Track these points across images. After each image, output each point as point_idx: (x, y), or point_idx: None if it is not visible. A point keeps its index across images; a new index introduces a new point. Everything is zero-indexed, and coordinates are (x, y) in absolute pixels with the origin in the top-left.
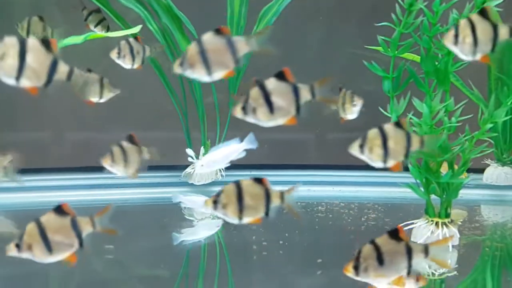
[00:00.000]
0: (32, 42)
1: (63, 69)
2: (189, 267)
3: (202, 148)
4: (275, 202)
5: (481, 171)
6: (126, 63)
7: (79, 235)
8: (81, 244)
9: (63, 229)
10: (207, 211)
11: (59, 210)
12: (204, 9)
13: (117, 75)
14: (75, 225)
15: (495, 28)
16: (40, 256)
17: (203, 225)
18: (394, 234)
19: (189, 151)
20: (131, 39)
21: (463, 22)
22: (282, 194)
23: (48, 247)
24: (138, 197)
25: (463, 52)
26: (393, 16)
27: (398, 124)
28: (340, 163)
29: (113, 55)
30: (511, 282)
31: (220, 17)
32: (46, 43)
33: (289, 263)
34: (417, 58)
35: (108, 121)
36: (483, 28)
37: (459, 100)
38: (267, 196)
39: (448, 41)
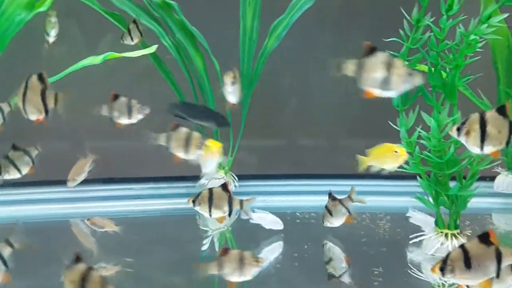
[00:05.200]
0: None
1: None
2: None
3: None
4: (236, 206)
5: (492, 179)
6: None
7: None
8: (5, 265)
9: None
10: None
11: None
12: (216, 23)
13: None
14: None
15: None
16: None
17: None
18: None
19: None
20: None
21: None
22: (241, 202)
23: None
24: (153, 208)
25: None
26: (400, 31)
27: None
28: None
29: None
30: None
31: (233, 32)
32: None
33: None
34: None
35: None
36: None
37: (469, 113)
38: (230, 201)
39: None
